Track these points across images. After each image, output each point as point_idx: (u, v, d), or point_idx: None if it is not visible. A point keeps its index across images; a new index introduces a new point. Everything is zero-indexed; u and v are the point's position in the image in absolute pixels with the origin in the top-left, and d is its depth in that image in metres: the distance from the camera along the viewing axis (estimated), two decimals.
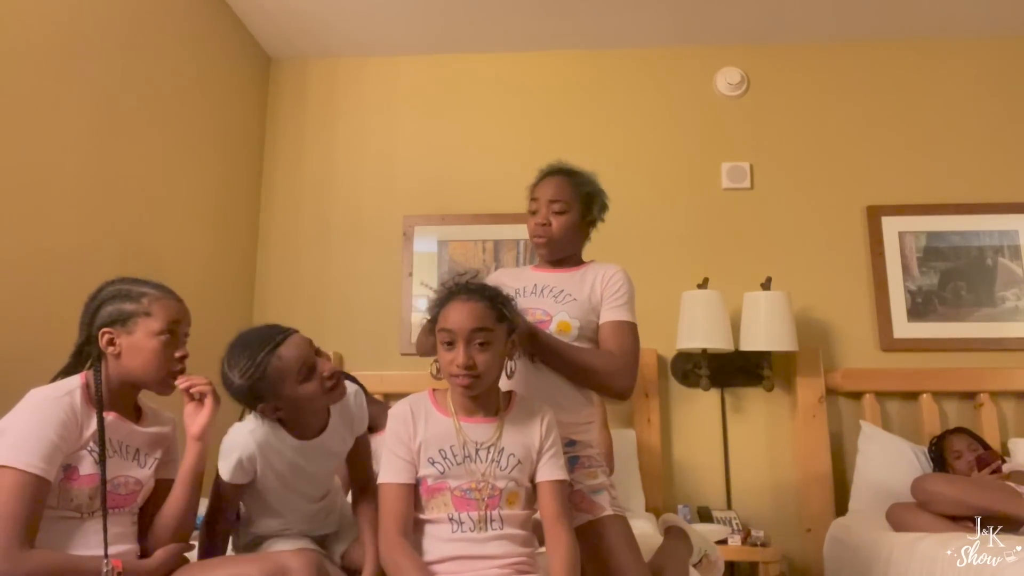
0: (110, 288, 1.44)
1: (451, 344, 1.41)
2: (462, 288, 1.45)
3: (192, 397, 1.44)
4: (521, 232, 3.19)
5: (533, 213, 1.77)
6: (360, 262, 3.40)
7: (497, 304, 1.45)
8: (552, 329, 1.68)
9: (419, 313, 3.27)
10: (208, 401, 1.43)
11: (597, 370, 1.66)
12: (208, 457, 1.46)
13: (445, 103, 3.52)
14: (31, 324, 2.00)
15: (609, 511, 1.62)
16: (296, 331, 1.45)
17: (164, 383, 1.43)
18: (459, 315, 1.40)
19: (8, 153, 1.97)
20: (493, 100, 3.51)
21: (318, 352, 1.45)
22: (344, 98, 3.56)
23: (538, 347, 1.62)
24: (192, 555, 1.56)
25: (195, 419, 1.43)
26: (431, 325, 1.49)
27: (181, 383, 1.43)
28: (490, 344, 1.41)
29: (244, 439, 1.45)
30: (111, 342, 1.39)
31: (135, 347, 1.39)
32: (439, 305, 1.46)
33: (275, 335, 1.41)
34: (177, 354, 1.43)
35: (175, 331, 1.43)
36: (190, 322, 1.49)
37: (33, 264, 2.04)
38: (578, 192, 1.76)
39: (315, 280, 3.38)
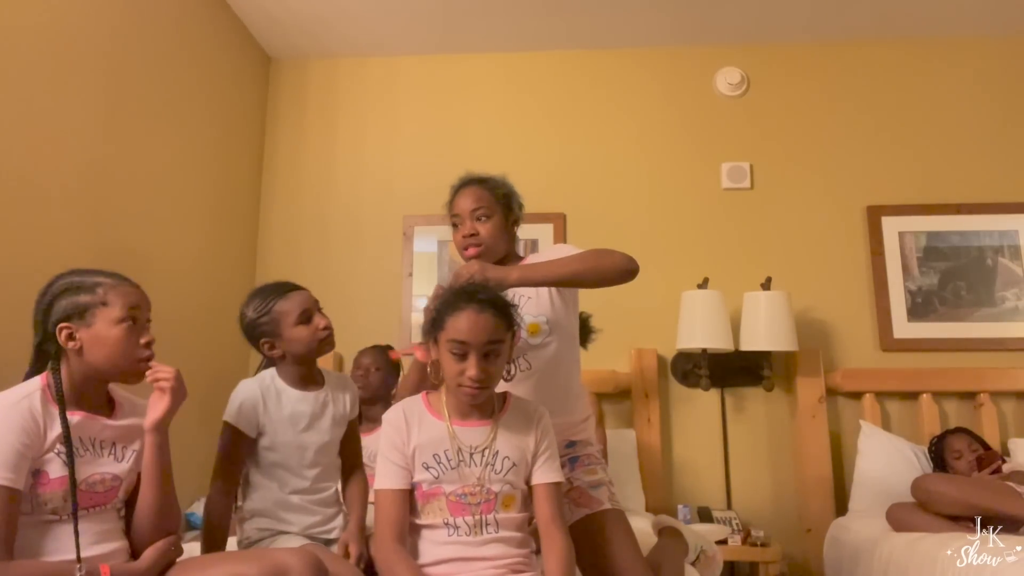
0: (60, 282, 1.37)
1: (463, 356, 1.38)
2: (475, 297, 1.40)
3: (160, 389, 1.39)
4: (522, 232, 3.18)
5: (456, 227, 1.74)
6: (360, 262, 3.40)
7: (507, 313, 1.43)
8: (523, 335, 1.65)
9: (419, 313, 3.27)
10: (168, 396, 1.37)
11: (590, 266, 1.57)
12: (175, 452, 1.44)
13: (445, 103, 3.52)
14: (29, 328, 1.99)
15: (607, 505, 1.64)
16: (306, 289, 1.71)
17: (132, 372, 1.37)
18: (475, 327, 1.37)
19: (8, 154, 1.97)
20: (493, 100, 3.51)
21: (319, 310, 1.68)
22: (344, 98, 3.56)
23: (525, 285, 1.56)
24: (192, 548, 1.55)
25: (153, 411, 1.38)
26: (431, 337, 1.45)
27: (149, 375, 1.38)
28: (500, 355, 1.41)
29: (249, 386, 1.64)
30: (71, 337, 1.34)
31: (97, 339, 1.34)
32: (448, 310, 1.41)
33: (287, 286, 1.69)
34: (142, 340, 1.38)
35: (136, 317, 1.37)
36: (150, 307, 1.43)
37: (31, 265, 2.04)
38: (496, 195, 1.74)
39: (315, 280, 3.30)
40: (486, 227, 1.71)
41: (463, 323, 1.37)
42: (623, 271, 1.58)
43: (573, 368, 1.77)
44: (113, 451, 1.39)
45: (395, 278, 3.36)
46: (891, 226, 3.21)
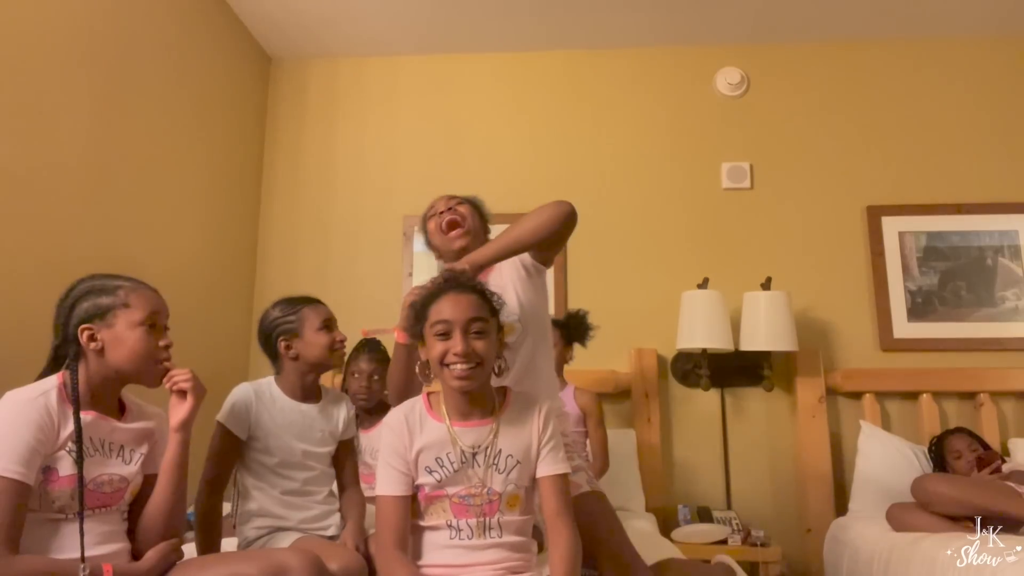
0: (82, 285, 1.41)
1: (447, 335, 1.40)
2: (454, 283, 1.45)
3: (179, 392, 1.43)
4: None
5: (438, 226, 1.85)
6: (360, 262, 3.40)
7: (488, 297, 1.47)
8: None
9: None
10: (190, 395, 1.42)
11: (539, 221, 1.65)
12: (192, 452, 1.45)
13: (445, 103, 3.53)
14: (30, 329, 1.99)
15: (585, 488, 1.66)
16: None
17: (151, 374, 1.41)
18: (456, 306, 1.41)
19: (6, 155, 1.97)
20: (493, 100, 3.51)
21: (336, 327, 1.79)
22: (344, 98, 3.57)
23: (488, 261, 1.64)
24: (188, 550, 1.55)
25: (177, 411, 1.42)
26: (416, 326, 1.47)
27: (166, 381, 1.42)
28: (486, 334, 1.41)
29: (244, 389, 1.70)
30: (92, 338, 1.36)
31: (117, 340, 1.37)
32: (430, 300, 1.44)
33: (314, 298, 1.80)
34: (161, 343, 1.42)
35: (156, 322, 1.42)
36: (168, 314, 1.47)
37: (30, 266, 2.04)
38: (465, 199, 1.90)
39: (315, 280, 3.38)
40: (464, 206, 1.85)
41: (445, 305, 1.42)
42: (559, 216, 1.64)
43: (548, 358, 1.82)
44: (121, 453, 1.41)
45: (395, 278, 3.36)
46: (891, 226, 3.21)
